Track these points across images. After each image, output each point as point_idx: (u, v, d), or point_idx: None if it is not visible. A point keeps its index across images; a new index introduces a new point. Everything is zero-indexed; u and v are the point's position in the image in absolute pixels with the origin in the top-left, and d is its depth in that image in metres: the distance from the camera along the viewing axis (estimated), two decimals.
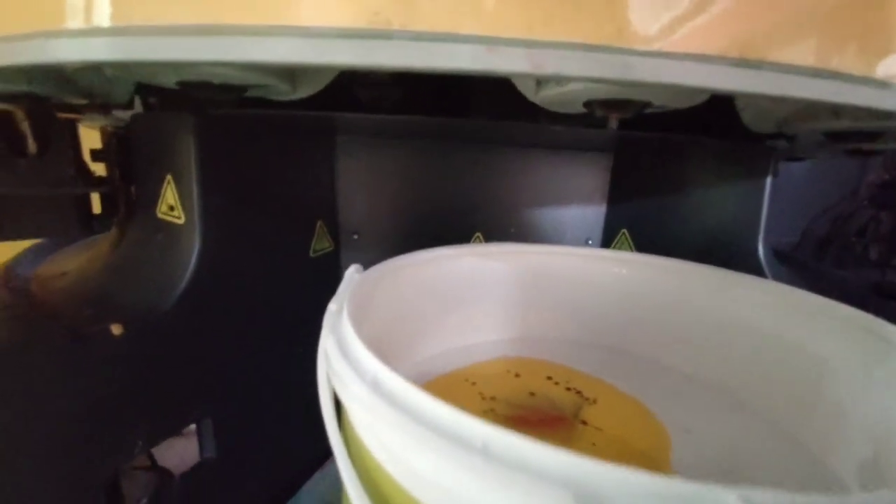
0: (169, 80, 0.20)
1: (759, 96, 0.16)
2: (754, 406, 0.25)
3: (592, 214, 0.50)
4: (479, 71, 0.15)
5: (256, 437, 0.38)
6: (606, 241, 0.50)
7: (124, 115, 0.36)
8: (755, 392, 0.25)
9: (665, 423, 0.25)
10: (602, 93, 0.18)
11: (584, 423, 0.24)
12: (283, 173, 0.38)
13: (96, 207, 0.39)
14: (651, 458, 0.21)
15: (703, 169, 0.42)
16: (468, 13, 0.15)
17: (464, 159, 0.48)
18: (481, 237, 0.49)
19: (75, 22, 0.17)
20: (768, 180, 0.37)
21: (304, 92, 0.22)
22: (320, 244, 0.44)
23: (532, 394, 0.27)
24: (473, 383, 0.28)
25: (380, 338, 0.27)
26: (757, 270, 0.38)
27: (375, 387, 0.13)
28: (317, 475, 0.43)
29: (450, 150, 0.48)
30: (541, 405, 0.26)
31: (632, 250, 0.48)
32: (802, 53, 0.17)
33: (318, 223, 0.44)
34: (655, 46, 0.15)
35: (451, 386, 0.28)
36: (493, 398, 0.26)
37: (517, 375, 0.30)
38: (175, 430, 0.31)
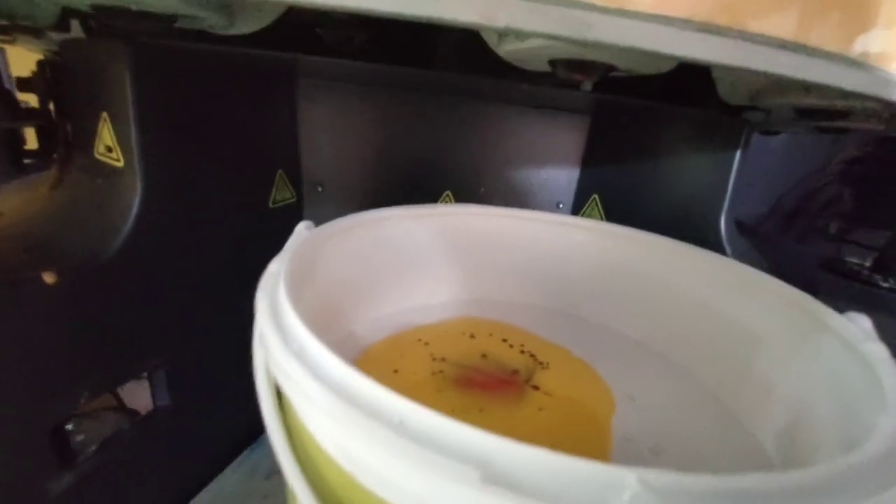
0: (81, 4, 0.17)
1: (720, 66, 0.15)
2: (695, 375, 0.27)
3: (565, 178, 0.50)
4: (424, 18, 0.13)
5: (214, 386, 0.38)
6: (577, 206, 0.50)
7: (60, 37, 0.32)
8: (697, 362, 0.27)
9: (612, 389, 0.26)
10: (562, 52, 0.16)
11: (536, 387, 0.25)
12: (237, 116, 0.36)
13: (32, 143, 0.36)
14: (595, 423, 0.22)
15: (678, 138, 0.41)
16: None
17: (436, 112, 0.46)
18: (451, 195, 0.48)
19: None
20: (738, 154, 0.37)
21: (244, 28, 0.20)
22: (281, 195, 0.42)
23: (484, 356, 0.28)
24: (426, 343, 0.28)
25: (331, 296, 0.27)
26: (717, 242, 0.38)
27: (300, 355, 0.13)
28: None
29: (421, 101, 0.45)
30: (491, 368, 0.26)
31: (601, 216, 0.48)
32: (777, 24, 0.16)
33: (279, 172, 0.42)
34: (618, 4, 0.14)
35: (401, 345, 0.28)
36: (443, 359, 0.27)
37: (472, 336, 0.30)
38: (123, 381, 0.31)
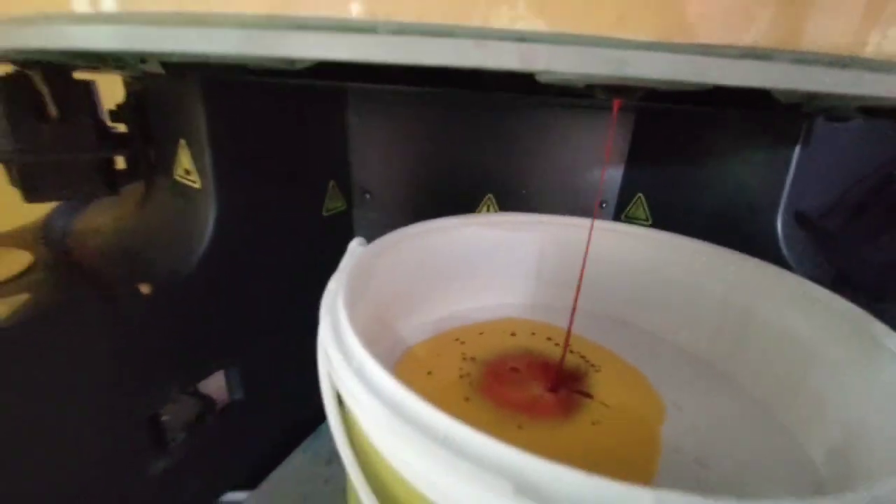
0: (169, 59, 0.20)
1: (769, 91, 0.15)
2: (744, 385, 0.26)
3: (609, 177, 0.49)
4: (466, 66, 0.14)
5: (280, 381, 0.42)
6: (622, 205, 0.49)
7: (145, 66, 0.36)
8: (747, 372, 0.26)
9: (660, 396, 0.26)
10: (601, 80, 0.17)
11: (589, 395, 0.25)
12: (296, 134, 0.39)
13: (120, 163, 0.40)
14: (646, 433, 0.23)
15: (729, 135, 0.39)
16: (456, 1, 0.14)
17: (477, 118, 0.46)
18: (493, 198, 0.49)
19: (82, 5, 0.17)
20: (797, 149, 0.35)
21: (304, 65, 0.22)
22: (333, 203, 0.45)
23: (528, 352, 0.29)
24: (462, 342, 0.29)
25: (383, 305, 0.29)
26: (773, 244, 0.37)
27: (360, 373, 0.15)
28: None
29: (463, 109, 0.46)
30: (530, 365, 0.27)
31: (647, 216, 0.47)
32: (828, 39, 0.16)
33: (331, 183, 0.44)
34: (655, 37, 0.14)
35: (439, 346, 0.29)
36: (473, 359, 0.28)
37: (512, 334, 0.31)
38: (205, 377, 0.35)
